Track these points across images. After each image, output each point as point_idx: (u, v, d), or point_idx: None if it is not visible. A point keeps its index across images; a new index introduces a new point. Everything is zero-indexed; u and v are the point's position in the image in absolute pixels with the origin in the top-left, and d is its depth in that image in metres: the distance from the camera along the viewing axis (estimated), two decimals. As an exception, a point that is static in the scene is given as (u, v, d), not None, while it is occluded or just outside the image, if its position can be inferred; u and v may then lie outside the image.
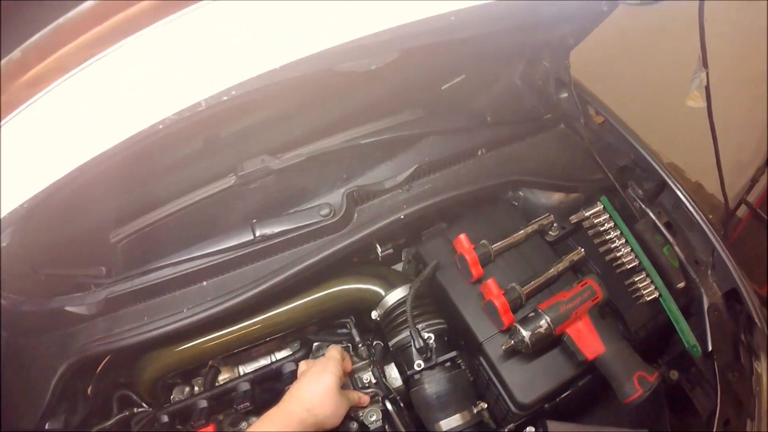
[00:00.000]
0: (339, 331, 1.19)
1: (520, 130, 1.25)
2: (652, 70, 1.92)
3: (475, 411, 0.96)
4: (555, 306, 0.94)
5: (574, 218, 1.15)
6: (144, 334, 0.98)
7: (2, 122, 0.74)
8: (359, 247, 1.04)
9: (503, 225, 1.13)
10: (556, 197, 1.23)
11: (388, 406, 0.99)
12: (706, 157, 1.27)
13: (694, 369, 1.08)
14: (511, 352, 0.95)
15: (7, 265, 0.89)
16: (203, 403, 1.08)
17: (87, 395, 1.10)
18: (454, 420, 0.94)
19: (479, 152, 1.19)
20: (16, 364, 1.02)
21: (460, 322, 1.02)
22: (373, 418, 0.99)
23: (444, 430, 0.94)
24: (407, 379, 1.02)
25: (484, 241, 1.06)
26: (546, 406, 0.98)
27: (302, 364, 0.99)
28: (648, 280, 1.08)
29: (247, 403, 1.04)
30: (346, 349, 1.12)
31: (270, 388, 1.10)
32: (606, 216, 1.13)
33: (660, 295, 1.08)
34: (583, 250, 1.09)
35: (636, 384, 0.91)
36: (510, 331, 0.95)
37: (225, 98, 0.78)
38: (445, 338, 1.03)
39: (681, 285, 1.10)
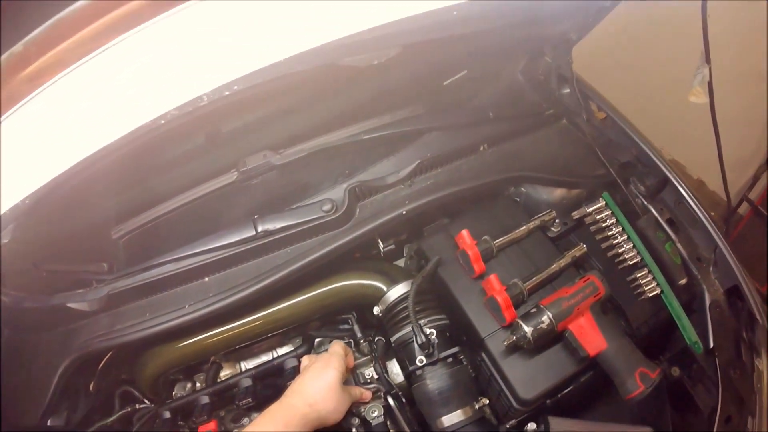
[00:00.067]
0: (341, 326, 1.19)
1: (522, 126, 1.24)
2: (654, 66, 1.92)
3: (476, 407, 0.96)
4: (557, 302, 0.94)
5: (576, 214, 1.14)
6: (146, 330, 0.98)
7: (3, 117, 0.74)
8: (361, 242, 1.04)
9: (505, 221, 1.12)
10: (558, 193, 1.22)
11: (390, 401, 1.00)
12: (707, 153, 1.27)
13: (695, 366, 1.08)
14: (513, 348, 0.95)
15: (9, 261, 0.89)
16: (205, 399, 1.08)
17: (89, 392, 1.10)
18: (456, 416, 0.94)
19: (481, 148, 1.18)
20: (18, 361, 1.02)
21: (462, 317, 1.02)
22: (375, 413, 0.98)
23: (446, 425, 0.94)
24: (409, 375, 1.02)
25: (486, 237, 1.05)
26: (548, 402, 0.98)
27: (305, 359, 0.98)
28: (650, 277, 1.08)
29: (249, 399, 1.05)
30: (348, 344, 1.12)
31: (272, 384, 1.10)
32: (608, 212, 1.13)
33: (662, 291, 1.07)
34: (585, 246, 1.09)
35: (638, 380, 0.91)
36: (512, 326, 0.95)
37: (227, 93, 0.78)
38: (447, 334, 1.03)
39: (683, 282, 1.10)
